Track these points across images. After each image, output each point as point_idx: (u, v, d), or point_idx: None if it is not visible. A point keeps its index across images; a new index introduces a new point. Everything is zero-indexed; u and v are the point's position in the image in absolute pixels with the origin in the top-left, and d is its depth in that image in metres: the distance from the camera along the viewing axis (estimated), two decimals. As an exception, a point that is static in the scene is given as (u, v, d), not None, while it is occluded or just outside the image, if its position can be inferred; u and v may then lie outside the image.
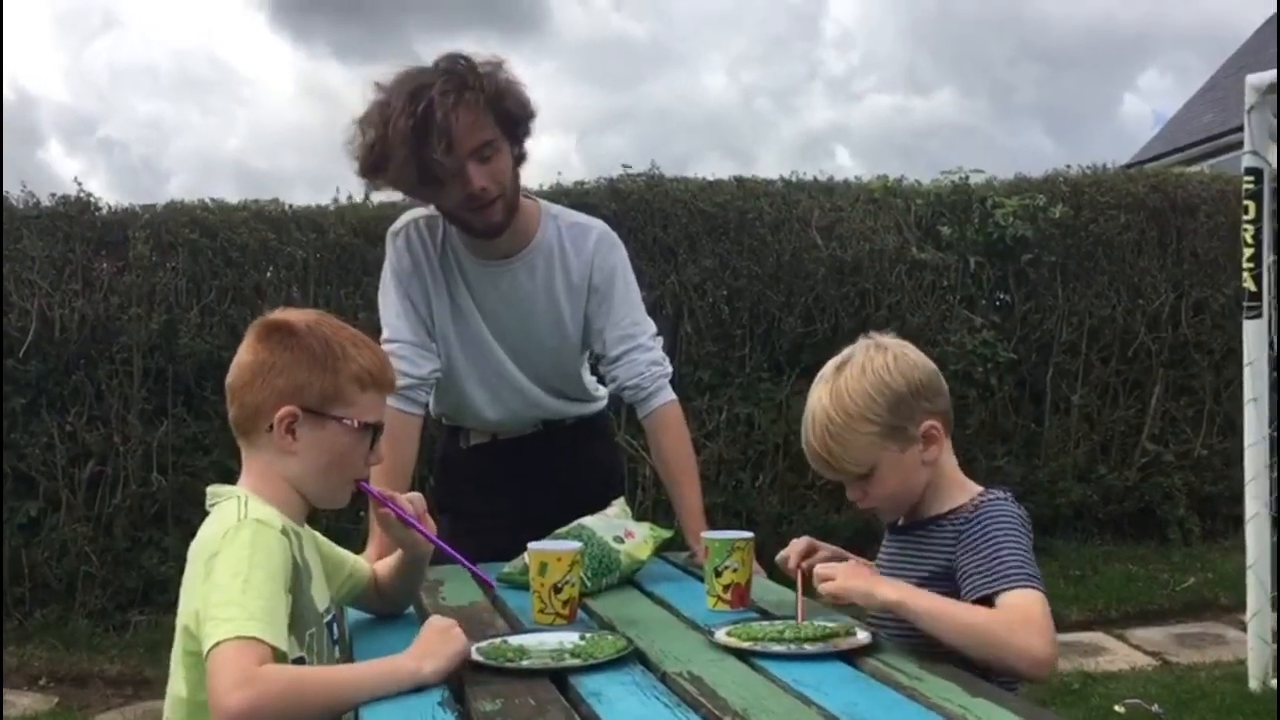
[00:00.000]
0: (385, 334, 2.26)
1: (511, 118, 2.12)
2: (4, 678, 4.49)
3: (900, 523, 1.77)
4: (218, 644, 1.31)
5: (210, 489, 1.55)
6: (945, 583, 1.62)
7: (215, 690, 1.28)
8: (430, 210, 2.26)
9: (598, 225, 2.34)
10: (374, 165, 2.08)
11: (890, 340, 1.71)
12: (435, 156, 2.02)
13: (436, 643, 1.45)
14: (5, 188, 5.35)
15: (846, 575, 1.60)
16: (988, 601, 1.53)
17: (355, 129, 2.09)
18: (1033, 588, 1.52)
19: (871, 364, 1.66)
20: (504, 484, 2.36)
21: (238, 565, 1.38)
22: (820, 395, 1.68)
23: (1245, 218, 4.06)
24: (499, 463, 2.38)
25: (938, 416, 1.67)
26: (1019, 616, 1.49)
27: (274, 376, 1.52)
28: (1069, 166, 6.42)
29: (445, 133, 2.01)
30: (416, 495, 1.74)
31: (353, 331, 1.61)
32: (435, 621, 1.50)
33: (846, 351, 1.71)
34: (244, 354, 1.56)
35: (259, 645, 1.32)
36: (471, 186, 2.08)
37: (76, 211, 5.40)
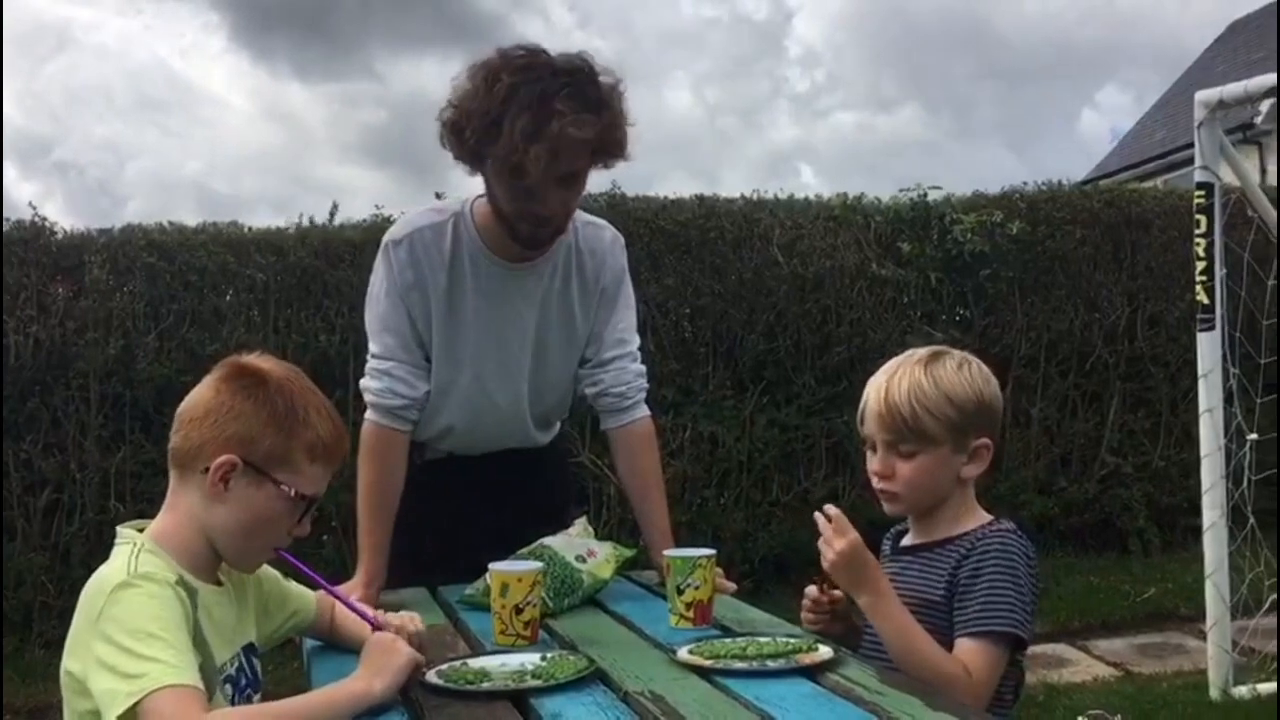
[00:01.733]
0: (376, 349, 2.20)
1: (609, 152, 2.05)
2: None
3: (903, 542, 1.79)
4: (142, 700, 1.26)
5: (119, 528, 1.50)
6: (943, 606, 1.65)
7: None
8: (432, 218, 2.18)
9: (609, 226, 2.32)
10: (472, 150, 2.01)
11: (974, 359, 1.76)
12: (536, 175, 1.96)
13: (381, 660, 1.44)
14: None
15: (841, 569, 1.65)
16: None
17: (469, 96, 1.99)
18: (1003, 637, 1.59)
19: (969, 367, 1.73)
20: (459, 500, 2.32)
21: (136, 622, 1.33)
22: (913, 367, 1.72)
23: (1197, 232, 4.13)
24: (455, 478, 2.34)
25: (994, 440, 1.73)
26: (977, 671, 1.58)
27: (227, 421, 1.46)
28: (1026, 183, 6.53)
29: (552, 149, 1.94)
30: (415, 618, 1.66)
31: (321, 399, 1.55)
32: (378, 639, 1.49)
33: (935, 349, 1.77)
34: (206, 389, 1.51)
35: (191, 690, 1.29)
36: (544, 208, 2.04)
37: (31, 236, 5.34)
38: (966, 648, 1.60)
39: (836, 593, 1.77)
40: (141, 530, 1.50)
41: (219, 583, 1.53)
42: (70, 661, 1.38)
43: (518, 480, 2.32)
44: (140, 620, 1.33)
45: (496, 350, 2.22)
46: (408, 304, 2.17)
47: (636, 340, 2.33)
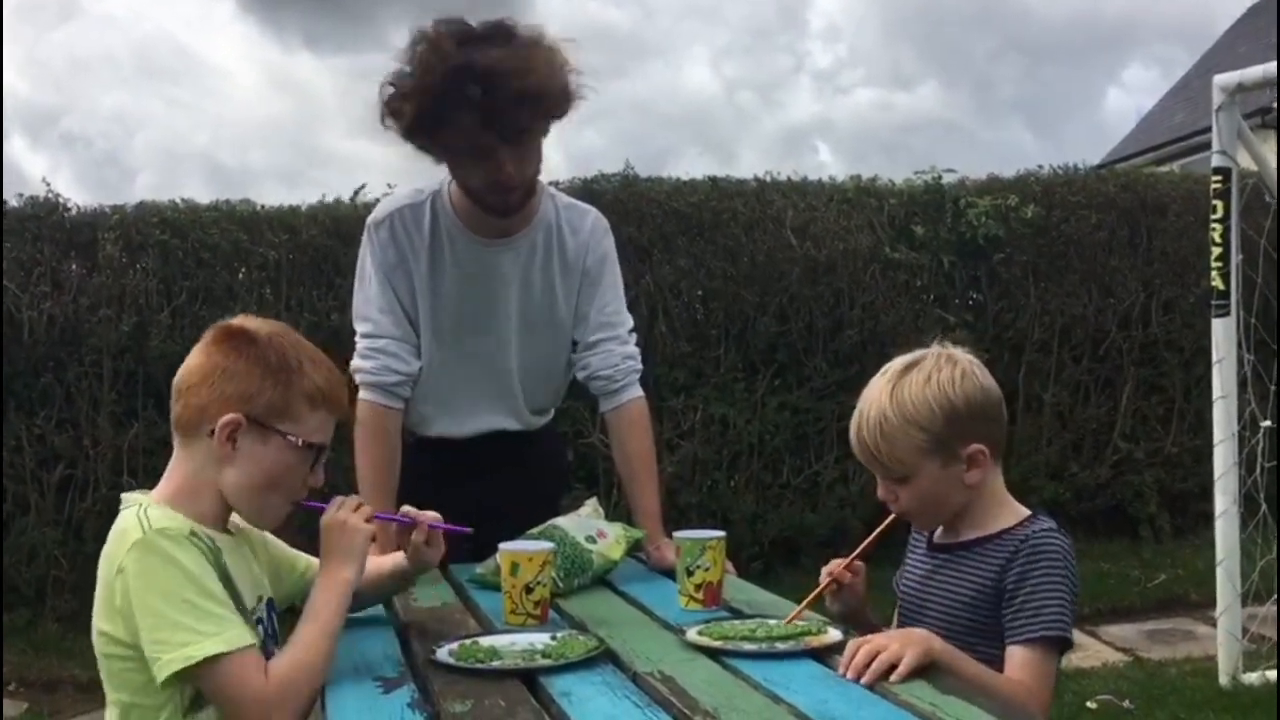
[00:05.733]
0: (367, 329, 2.21)
1: (554, 105, 2.06)
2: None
3: (937, 538, 1.75)
4: (196, 664, 1.34)
5: (124, 496, 1.52)
6: (988, 606, 1.61)
7: (241, 715, 1.37)
8: (412, 199, 2.21)
9: (592, 210, 2.34)
10: (412, 127, 2.03)
11: (962, 355, 1.69)
12: (477, 139, 1.98)
13: (342, 543, 1.53)
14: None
15: (909, 657, 1.44)
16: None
17: (397, 78, 2.02)
18: (1054, 646, 1.56)
19: (938, 375, 1.65)
20: (450, 482, 2.31)
21: (168, 585, 1.37)
22: (880, 390, 1.67)
23: (1213, 217, 4.10)
24: (446, 460, 2.31)
25: (988, 442, 1.66)
26: (1037, 684, 1.54)
27: (224, 381, 1.49)
28: (1041, 166, 6.48)
29: (491, 115, 1.96)
30: (433, 515, 1.71)
31: (312, 349, 1.58)
32: (329, 522, 1.55)
33: (917, 354, 1.70)
34: (198, 355, 1.54)
35: (243, 655, 1.37)
36: (501, 173, 2.05)
37: (45, 212, 5.35)
38: (1022, 655, 1.56)
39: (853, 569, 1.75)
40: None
41: (229, 533, 1.56)
42: (100, 622, 1.43)
43: (508, 462, 2.33)
44: (173, 585, 1.38)
45: (478, 328, 2.24)
46: (394, 282, 2.20)
47: (627, 323, 2.34)
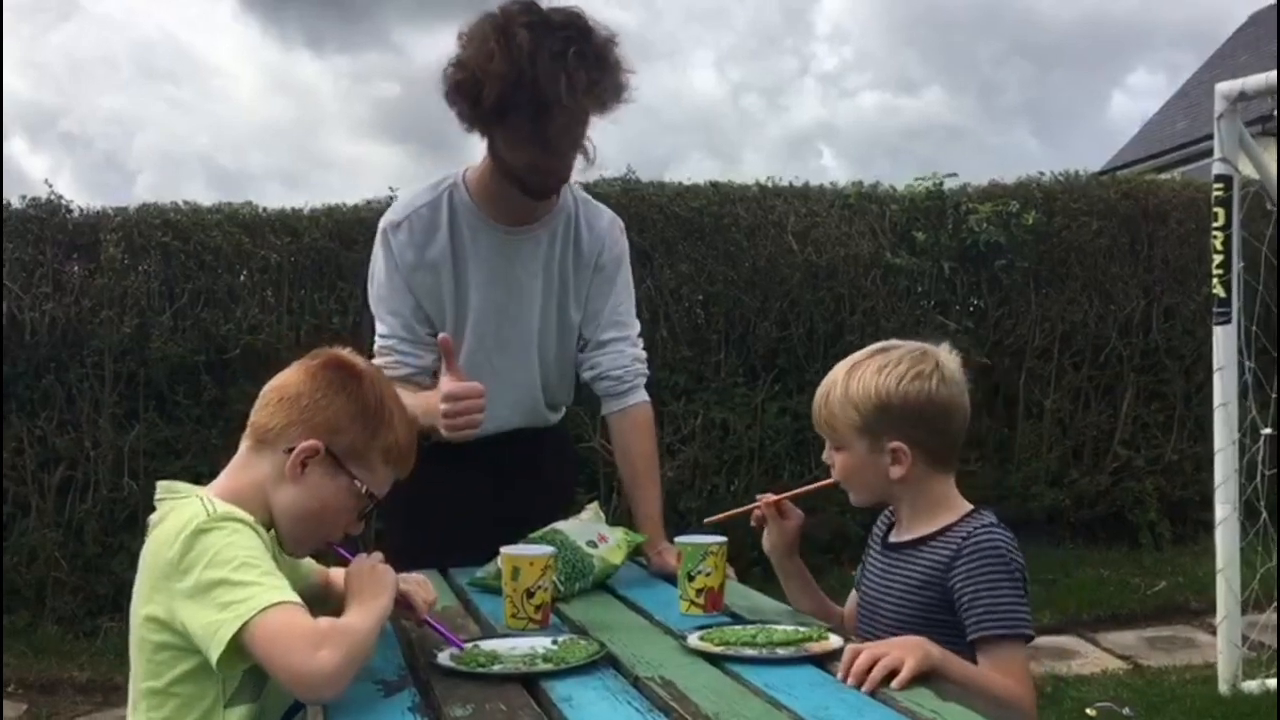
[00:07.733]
0: (381, 329, 2.24)
1: (613, 101, 2.07)
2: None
3: (890, 538, 1.79)
4: (249, 623, 1.31)
5: (161, 484, 1.52)
6: (935, 603, 1.64)
7: (291, 655, 1.31)
8: (428, 196, 2.21)
9: (608, 210, 2.35)
10: (484, 110, 2.02)
11: (943, 359, 1.73)
12: (545, 127, 1.98)
13: (373, 581, 1.49)
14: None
15: (910, 663, 1.42)
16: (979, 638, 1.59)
17: (472, 60, 2.00)
18: (1021, 637, 1.60)
19: (894, 368, 1.71)
20: (467, 483, 2.30)
21: (225, 555, 1.37)
22: (849, 364, 1.75)
23: (1215, 224, 4.11)
24: (463, 461, 2.31)
25: (914, 445, 1.70)
26: (1015, 680, 1.56)
27: (320, 408, 1.51)
28: (1042, 173, 6.47)
29: (574, 109, 1.98)
30: (425, 582, 1.69)
31: (403, 405, 1.61)
32: (358, 566, 1.52)
33: (897, 343, 1.77)
34: (300, 373, 1.55)
35: (296, 606, 1.35)
36: (554, 159, 2.07)
37: (47, 213, 5.36)
38: (996, 655, 1.57)
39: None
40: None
41: None
42: (150, 608, 1.41)
43: (526, 461, 2.33)
44: (230, 553, 1.37)
45: (500, 318, 2.24)
46: (413, 285, 2.20)
47: (636, 325, 2.35)
